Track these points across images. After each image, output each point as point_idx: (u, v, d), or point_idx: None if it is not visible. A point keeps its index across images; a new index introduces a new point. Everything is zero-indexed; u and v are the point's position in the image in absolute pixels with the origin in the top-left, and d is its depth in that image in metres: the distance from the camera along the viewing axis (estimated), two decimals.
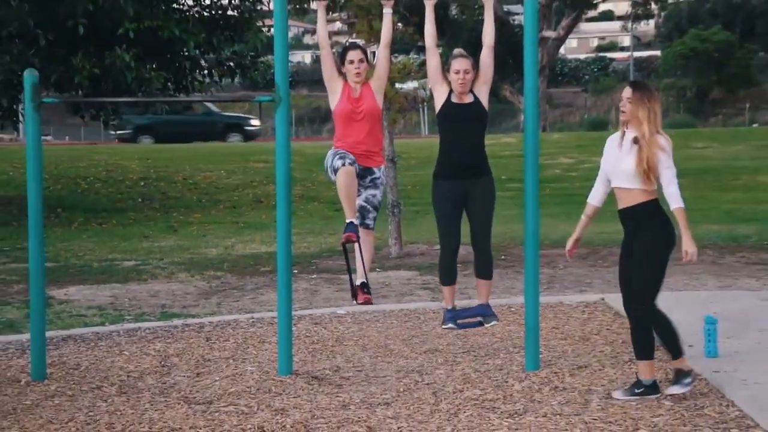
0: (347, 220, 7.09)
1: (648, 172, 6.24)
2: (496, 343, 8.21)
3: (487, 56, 7.32)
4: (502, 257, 13.08)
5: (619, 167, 6.34)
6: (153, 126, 38.89)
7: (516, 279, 11.13)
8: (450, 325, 7.62)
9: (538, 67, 7.69)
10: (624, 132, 6.43)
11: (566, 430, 5.72)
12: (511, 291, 10.58)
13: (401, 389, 6.81)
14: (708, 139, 33.53)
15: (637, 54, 66.15)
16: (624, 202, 6.34)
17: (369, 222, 7.21)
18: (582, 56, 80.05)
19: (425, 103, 18.45)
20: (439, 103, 7.32)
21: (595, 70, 73.74)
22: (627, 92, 6.34)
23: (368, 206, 7.20)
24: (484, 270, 7.50)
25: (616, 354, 7.61)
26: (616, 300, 9.81)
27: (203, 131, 38.12)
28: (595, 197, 6.60)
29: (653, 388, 6.30)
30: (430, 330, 8.82)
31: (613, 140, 6.52)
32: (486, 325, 7.52)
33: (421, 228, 16.35)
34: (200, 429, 5.99)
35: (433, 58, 7.33)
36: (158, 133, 37.99)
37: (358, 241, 7.22)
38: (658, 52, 72.33)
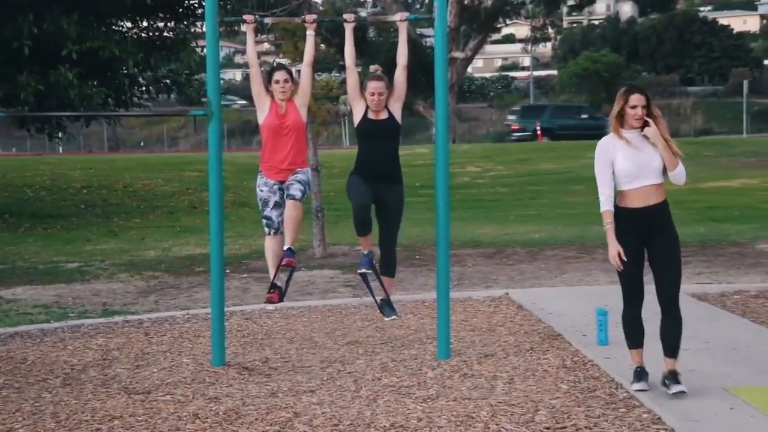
0: (272, 281, 7.07)
1: (670, 163, 5.88)
2: (411, 335, 8.24)
3: (400, 75, 7.33)
4: (417, 257, 13.13)
5: (651, 165, 5.86)
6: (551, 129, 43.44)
7: (429, 276, 11.18)
8: (364, 269, 7.44)
9: (448, 85, 7.73)
10: (642, 133, 5.92)
11: (474, 412, 5.76)
12: (424, 288, 10.63)
13: (325, 378, 6.79)
14: None
15: (536, 73, 66.94)
16: (652, 199, 5.90)
17: (294, 193, 7.00)
18: (487, 75, 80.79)
19: (346, 117, 18.46)
20: (357, 118, 7.31)
21: (499, 87, 74.45)
22: (638, 99, 5.91)
23: (294, 182, 7.05)
24: (388, 268, 7.43)
25: (518, 343, 7.69)
26: (519, 295, 9.95)
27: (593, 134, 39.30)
28: (611, 202, 5.97)
29: None
30: (351, 324, 8.82)
31: (612, 144, 5.96)
32: (385, 319, 7.43)
33: (343, 231, 16.32)
34: (139, 417, 5.91)
35: (351, 76, 7.32)
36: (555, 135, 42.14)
37: (280, 301, 7.15)
38: (555, 72, 73.32)
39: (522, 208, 21.98)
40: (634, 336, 6.14)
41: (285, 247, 6.96)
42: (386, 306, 7.29)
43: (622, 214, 5.94)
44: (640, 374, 6.13)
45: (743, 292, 9.65)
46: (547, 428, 5.41)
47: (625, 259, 5.88)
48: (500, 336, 8.03)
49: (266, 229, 7.09)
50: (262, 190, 7.09)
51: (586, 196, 24.12)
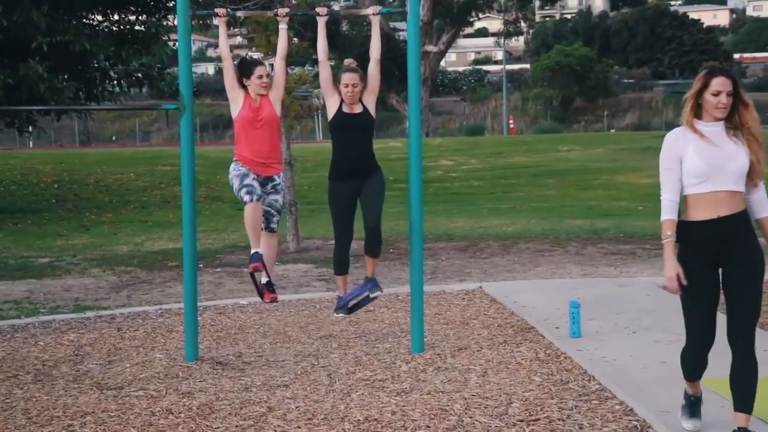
0: (253, 250, 7.06)
1: (760, 171, 4.70)
2: (385, 328, 8.24)
3: (374, 69, 7.32)
4: (390, 250, 13.14)
5: (729, 166, 4.63)
6: None
7: (402, 270, 11.19)
8: (341, 314, 7.57)
9: (421, 79, 7.74)
10: (726, 126, 4.72)
11: (448, 405, 5.76)
12: (398, 281, 10.64)
13: (299, 372, 6.78)
14: (572, 143, 34.26)
15: (509, 67, 67.12)
16: (727, 209, 4.63)
17: (273, 226, 7.14)
18: (460, 69, 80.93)
19: (319, 111, 18.42)
20: (331, 112, 7.30)
21: (472, 81, 74.61)
22: (723, 83, 4.67)
23: (272, 210, 7.14)
24: (372, 249, 7.44)
25: (492, 336, 7.71)
26: (492, 288, 9.98)
27: None
28: (675, 210, 4.75)
29: None
30: (324, 318, 8.81)
31: (682, 138, 4.75)
32: (370, 296, 7.46)
33: (317, 225, 16.33)
34: (112, 413, 5.87)
35: (325, 70, 7.31)
36: None
37: (265, 269, 7.19)
38: (527, 66, 73.55)
39: (495, 201, 22.06)
40: (693, 371, 5.00)
41: (263, 280, 7.03)
42: (371, 287, 7.31)
43: (686, 230, 4.69)
44: (694, 407, 5.13)
45: None
46: (521, 420, 5.43)
47: (686, 284, 4.67)
48: (474, 329, 8.05)
49: (247, 197, 6.99)
50: (238, 170, 7.03)
51: (559, 189, 24.26)
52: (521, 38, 78.49)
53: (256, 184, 7.00)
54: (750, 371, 4.72)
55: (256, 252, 7.02)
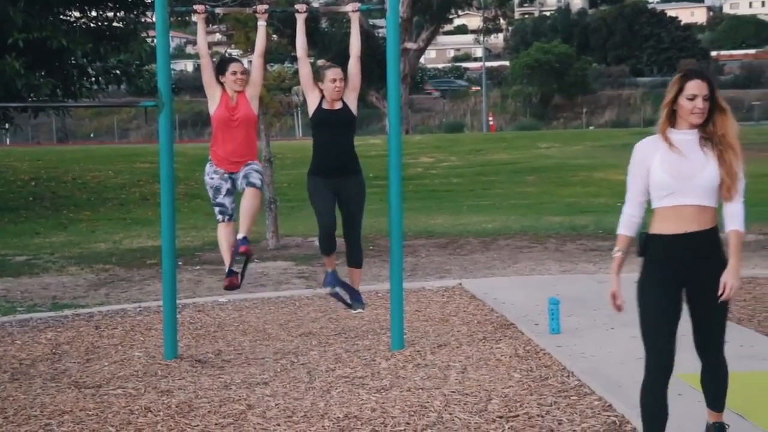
0: (227, 268, 7.03)
1: (732, 185, 4.29)
2: (365, 325, 8.24)
3: (354, 66, 7.31)
4: (370, 248, 13.13)
5: (697, 179, 4.25)
6: None
7: (382, 267, 11.19)
8: (329, 288, 7.51)
9: (401, 76, 7.73)
10: (700, 135, 4.33)
11: (427, 402, 5.77)
12: (378, 278, 10.63)
13: (278, 369, 6.77)
14: (551, 140, 34.37)
15: (488, 64, 67.22)
16: (695, 224, 4.27)
17: (254, 181, 6.98)
18: (440, 66, 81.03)
19: (299, 108, 18.39)
20: (311, 109, 7.28)
21: (452, 78, 74.71)
22: (699, 87, 4.29)
23: (250, 170, 7.02)
24: (355, 260, 7.49)
25: (471, 333, 7.72)
26: (472, 285, 10.00)
27: None
28: (633, 226, 4.43)
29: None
30: (305, 315, 8.80)
31: (652, 147, 4.37)
32: (352, 311, 7.49)
33: (296, 222, 16.30)
34: (90, 411, 5.84)
35: (304, 67, 7.29)
36: None
37: (240, 286, 7.14)
38: (507, 63, 73.72)
39: (475, 198, 22.09)
40: (653, 424, 4.45)
41: (239, 236, 6.91)
42: (354, 301, 7.33)
43: (651, 244, 4.35)
44: None
45: None
46: (500, 417, 5.44)
47: (621, 304, 4.38)
48: (453, 326, 8.06)
49: (219, 217, 7.03)
50: (212, 178, 7.03)
51: (538, 186, 24.33)
52: (500, 35, 78.68)
53: (228, 201, 6.98)
54: (720, 373, 4.56)
55: (232, 269, 6.99)
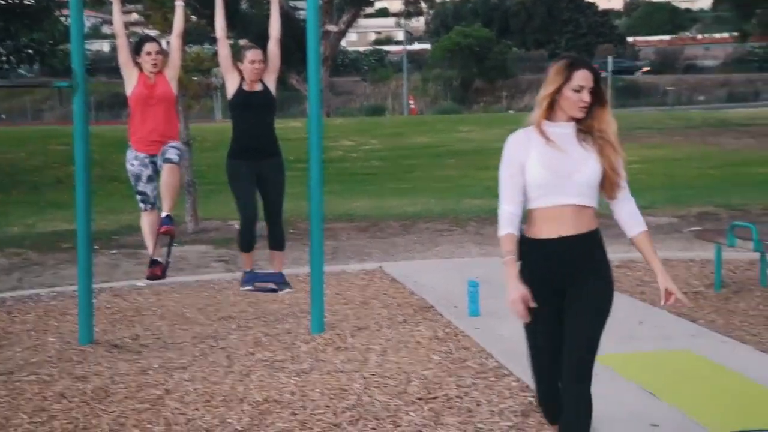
0: (151, 257, 6.93)
1: (616, 182, 3.92)
2: (285, 309, 8.22)
3: (274, 47, 7.26)
4: (291, 231, 13.07)
5: (575, 176, 3.85)
6: None
7: (303, 251, 11.15)
8: (248, 287, 7.52)
9: (321, 58, 7.70)
10: (577, 129, 3.93)
11: (347, 385, 5.79)
12: (298, 262, 10.61)
13: (197, 354, 6.72)
14: (471, 123, 34.59)
15: (409, 47, 67.36)
16: (572, 227, 3.87)
17: (171, 157, 6.87)
18: (361, 48, 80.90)
19: (218, 90, 18.20)
20: (231, 91, 7.22)
21: (373, 61, 74.68)
22: (586, 78, 3.89)
23: (167, 147, 6.92)
24: (277, 243, 7.46)
25: (391, 316, 7.76)
26: (392, 268, 10.04)
27: None
28: (515, 223, 3.95)
29: None
30: (224, 299, 8.75)
31: (526, 141, 3.95)
32: (279, 293, 7.48)
33: (216, 205, 16.14)
34: (1, 398, 5.71)
35: (224, 48, 7.22)
36: None
37: (163, 276, 7.06)
38: (427, 46, 73.92)
39: (396, 181, 22.16)
40: (554, 415, 4.11)
41: (163, 215, 6.82)
42: (279, 284, 7.31)
43: (527, 248, 3.94)
44: None
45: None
46: (419, 399, 5.49)
47: (532, 308, 3.89)
48: (374, 309, 8.09)
49: (141, 205, 6.94)
50: (132, 165, 6.92)
51: (459, 169, 24.50)
52: (422, 19, 78.80)
53: (149, 189, 6.89)
54: (581, 406, 3.92)
55: (155, 259, 6.91)
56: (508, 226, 3.94)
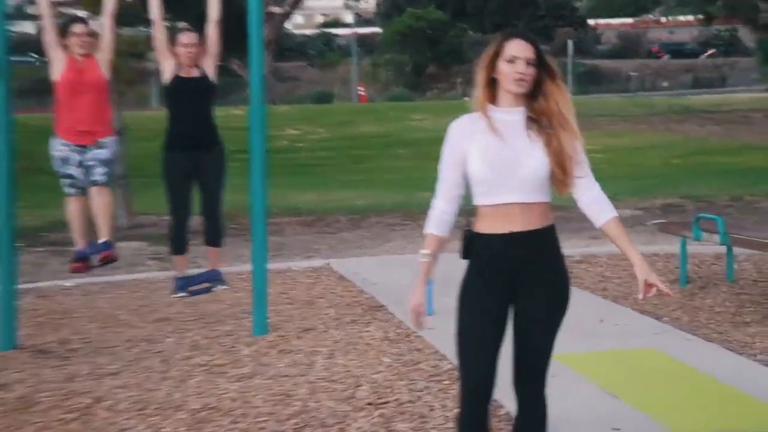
0: (75, 248, 6.85)
1: (567, 173, 3.69)
2: (226, 309, 8.17)
3: (213, 31, 7.22)
4: (232, 226, 12.98)
5: (521, 169, 3.65)
6: None
7: (245, 247, 11.07)
8: (181, 293, 7.53)
9: (264, 42, 7.66)
10: (527, 115, 3.71)
11: (292, 390, 5.77)
12: (240, 259, 10.54)
13: (130, 359, 6.65)
14: (425, 111, 34.66)
15: (359, 30, 67.32)
16: (524, 224, 3.68)
17: (97, 178, 6.82)
18: (308, 32, 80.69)
19: (154, 76, 18.03)
20: (166, 76, 7.17)
21: (320, 45, 74.53)
22: (520, 48, 3.65)
23: (96, 164, 6.86)
24: (214, 238, 7.45)
25: (339, 316, 7.75)
26: (340, 264, 10.03)
27: None
28: (445, 224, 3.85)
29: None
30: (160, 299, 8.66)
31: (469, 128, 3.76)
32: (214, 290, 7.45)
33: (152, 199, 15.98)
34: None
35: (159, 31, 7.16)
36: None
37: (87, 270, 6.99)
38: (378, 29, 73.95)
39: (345, 173, 22.15)
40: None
41: (100, 241, 6.80)
42: (214, 281, 7.30)
43: (474, 243, 3.78)
44: None
45: (567, 258, 10.01)
46: (369, 404, 5.48)
47: (423, 317, 3.89)
48: (321, 309, 8.07)
49: (68, 190, 6.84)
50: (59, 150, 6.83)
51: (411, 160, 24.55)
52: (372, 0, 78.80)
53: (78, 172, 6.80)
54: (538, 414, 3.85)
55: (80, 251, 6.84)
56: (433, 225, 3.86)
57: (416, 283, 3.89)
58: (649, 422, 5.13)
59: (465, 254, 3.81)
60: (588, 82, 55.33)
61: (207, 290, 7.47)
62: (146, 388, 5.91)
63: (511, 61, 3.64)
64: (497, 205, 3.69)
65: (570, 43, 52.33)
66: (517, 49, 3.65)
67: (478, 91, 3.74)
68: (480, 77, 3.73)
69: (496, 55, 3.68)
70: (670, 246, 9.95)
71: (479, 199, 3.74)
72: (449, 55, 63.51)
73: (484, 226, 3.74)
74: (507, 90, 3.68)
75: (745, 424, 5.12)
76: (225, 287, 7.54)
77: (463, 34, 65.87)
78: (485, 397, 3.78)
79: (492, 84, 3.72)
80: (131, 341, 7.17)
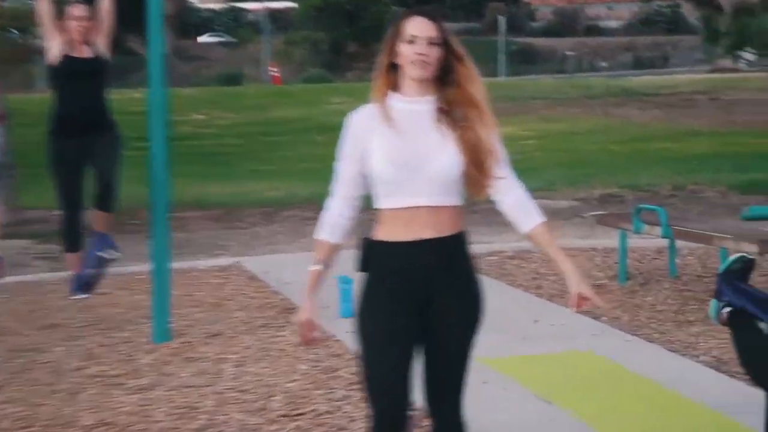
0: None
1: (484, 172, 3.54)
2: (123, 314, 8.08)
3: (106, 3, 7.15)
4: (130, 222, 12.86)
5: (427, 169, 3.51)
6: None
7: (145, 245, 10.96)
8: (81, 294, 7.41)
9: (165, 16, 7.58)
10: (436, 105, 3.57)
11: (198, 402, 5.74)
12: (138, 257, 10.41)
13: (14, 370, 6.55)
14: (344, 94, 34.68)
15: (271, 5, 67.14)
16: (431, 230, 3.53)
17: None
18: (215, 6, 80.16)
19: (40, 54, 17.76)
20: (53, 55, 7.07)
21: (228, 20, 74.14)
22: (421, 26, 3.53)
23: None
24: (104, 202, 7.25)
25: (250, 320, 7.73)
26: (252, 263, 9.99)
27: None
28: (339, 228, 3.74)
29: None
30: (49, 304, 8.54)
31: (369, 121, 3.61)
32: (106, 257, 7.33)
33: (41, 192, 15.73)
34: None
35: (44, 3, 7.05)
36: None
37: None
38: (293, 4, 73.82)
39: (257, 162, 22.07)
40: None
41: None
42: (107, 247, 7.19)
43: (374, 252, 3.62)
44: None
45: (499, 253, 10.14)
46: (283, 416, 5.48)
47: (315, 337, 3.77)
48: (229, 312, 8.04)
49: None
50: None
51: (330, 147, 24.52)
52: None
53: None
54: None
55: None
56: (327, 230, 3.73)
57: (305, 297, 3.72)
58: (586, 430, 5.21)
59: (363, 266, 3.65)
60: (521, 61, 55.95)
61: (103, 266, 7.31)
62: (33, 403, 5.83)
63: (411, 41, 3.50)
64: (401, 208, 3.53)
65: (502, 20, 52.78)
66: (417, 27, 3.51)
67: (378, 80, 3.60)
68: (380, 62, 3.60)
69: (397, 37, 3.55)
70: (609, 239, 10.10)
71: (381, 202, 3.59)
72: (370, 31, 63.49)
73: (387, 232, 3.58)
74: (410, 76, 3.54)
75: (687, 430, 5.22)
76: (118, 254, 7.39)
77: (386, 9, 66.02)
78: (400, 421, 3.64)
79: (395, 70, 3.58)
80: (16, 351, 7.06)
